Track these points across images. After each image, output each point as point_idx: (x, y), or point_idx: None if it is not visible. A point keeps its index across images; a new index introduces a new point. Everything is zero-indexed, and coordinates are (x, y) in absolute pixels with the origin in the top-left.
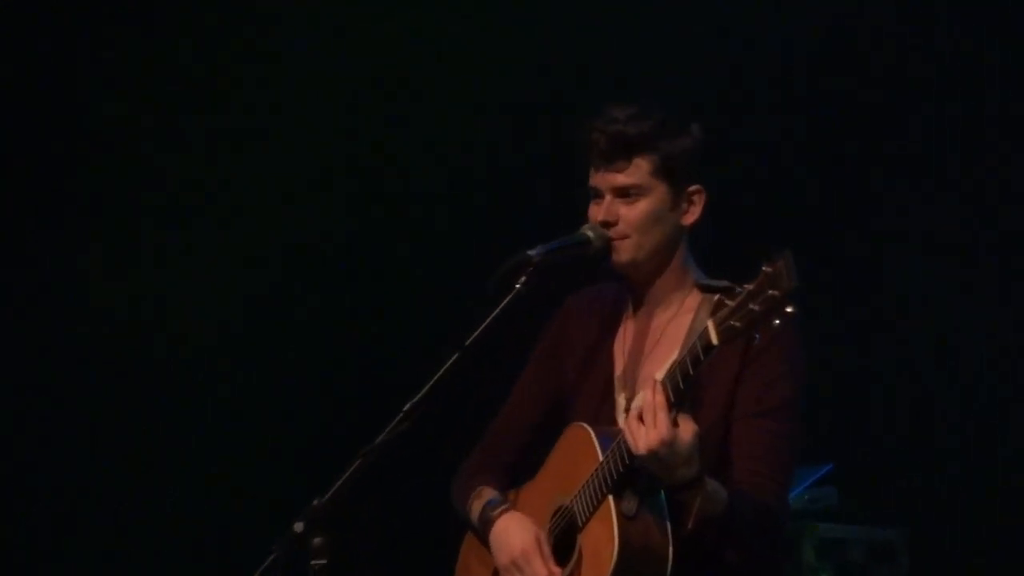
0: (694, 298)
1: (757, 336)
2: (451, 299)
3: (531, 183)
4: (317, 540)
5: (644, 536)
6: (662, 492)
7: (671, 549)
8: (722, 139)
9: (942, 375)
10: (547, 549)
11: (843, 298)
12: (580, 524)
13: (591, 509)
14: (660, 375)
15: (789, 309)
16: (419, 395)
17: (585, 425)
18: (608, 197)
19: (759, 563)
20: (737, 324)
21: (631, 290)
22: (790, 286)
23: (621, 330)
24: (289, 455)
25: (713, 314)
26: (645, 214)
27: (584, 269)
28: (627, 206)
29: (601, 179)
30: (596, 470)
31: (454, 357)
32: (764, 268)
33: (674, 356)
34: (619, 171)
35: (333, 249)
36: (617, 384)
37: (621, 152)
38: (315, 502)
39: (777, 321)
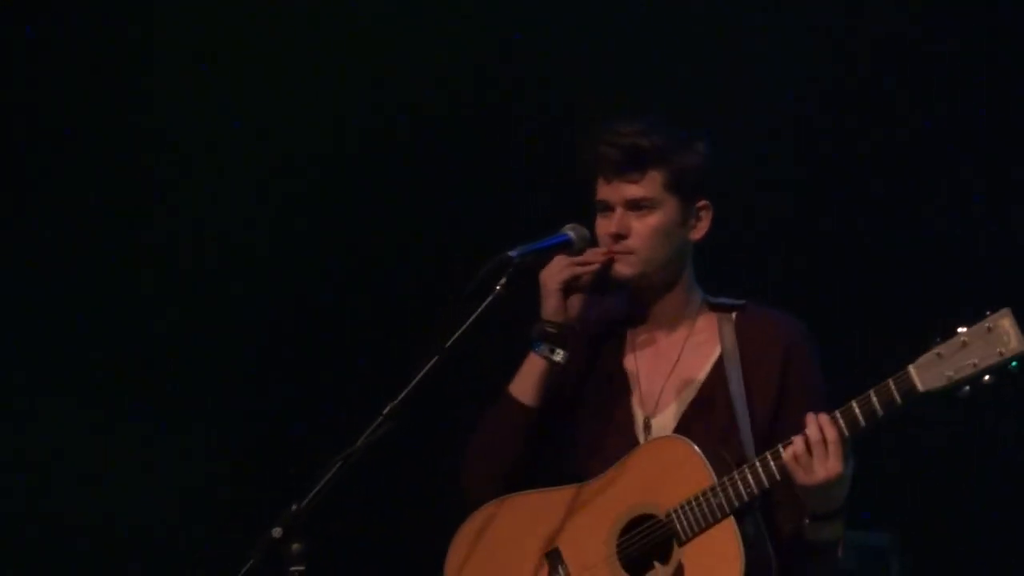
0: (707, 317)
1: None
2: (431, 301)
3: (519, 187)
4: (295, 546)
5: (759, 557)
6: (758, 514)
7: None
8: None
9: None
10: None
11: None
12: (684, 538)
13: (701, 525)
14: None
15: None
16: (399, 397)
17: (687, 441)
18: (619, 210)
19: None
20: (953, 376)
21: (636, 305)
22: (1019, 348)
23: (629, 346)
24: (267, 459)
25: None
26: (656, 228)
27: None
28: (639, 219)
29: (612, 191)
30: (711, 489)
31: (434, 359)
32: (987, 324)
33: (699, 376)
34: (632, 182)
35: (309, 249)
36: (635, 401)
37: (635, 164)
38: (294, 507)
39: (987, 377)
